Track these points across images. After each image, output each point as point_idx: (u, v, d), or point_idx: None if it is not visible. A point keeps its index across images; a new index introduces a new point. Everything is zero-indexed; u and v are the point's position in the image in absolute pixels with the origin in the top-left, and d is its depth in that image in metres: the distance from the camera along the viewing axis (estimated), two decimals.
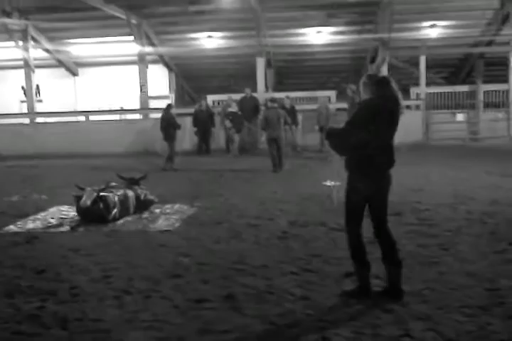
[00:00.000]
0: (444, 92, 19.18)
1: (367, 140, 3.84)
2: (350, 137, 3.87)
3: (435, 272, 4.53)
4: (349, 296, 4.05)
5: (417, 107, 17.37)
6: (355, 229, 4.03)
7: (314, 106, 16.52)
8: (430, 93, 18.47)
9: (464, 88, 19.27)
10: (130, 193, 7.31)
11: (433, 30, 18.21)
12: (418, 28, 18.25)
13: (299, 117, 15.97)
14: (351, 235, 4.06)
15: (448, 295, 4.02)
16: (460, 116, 17.60)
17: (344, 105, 14.88)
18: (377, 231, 4.09)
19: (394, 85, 3.98)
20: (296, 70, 21.31)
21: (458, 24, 17.97)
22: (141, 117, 18.76)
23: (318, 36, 18.72)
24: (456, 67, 20.98)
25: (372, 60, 19.35)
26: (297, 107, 16.18)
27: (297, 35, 18.84)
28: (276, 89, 20.10)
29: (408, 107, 17.80)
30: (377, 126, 3.85)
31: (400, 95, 3.99)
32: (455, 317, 3.62)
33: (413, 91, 18.74)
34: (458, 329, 3.44)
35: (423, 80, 17.25)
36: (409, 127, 16.21)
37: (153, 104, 19.10)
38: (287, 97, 15.74)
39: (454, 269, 4.59)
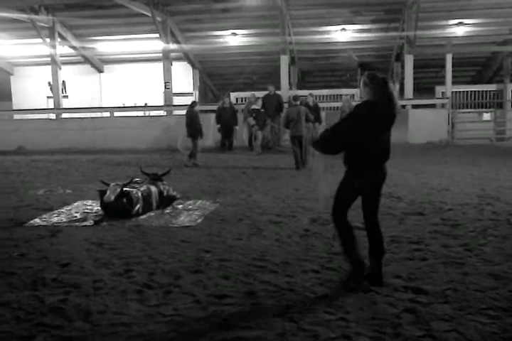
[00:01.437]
0: (471, 91, 18.92)
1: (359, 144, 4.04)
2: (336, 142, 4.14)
3: (459, 273, 4.47)
4: (347, 288, 4.14)
5: (443, 106, 17.16)
6: (343, 216, 4.19)
7: (338, 104, 16.43)
8: (456, 92, 18.23)
9: (492, 87, 18.97)
10: (153, 189, 7.36)
11: (460, 29, 17.96)
12: (444, 26, 18.03)
13: (323, 115, 15.91)
14: (339, 221, 4.20)
15: (471, 296, 3.96)
16: (487, 116, 17.34)
17: None
18: (368, 224, 4.28)
19: (391, 86, 4.13)
20: (320, 68, 21.23)
21: (486, 22, 17.71)
22: (165, 114, 18.90)
23: (343, 34, 18.60)
24: (483, 66, 20.67)
25: (397, 58, 19.18)
26: (321, 105, 16.11)
27: (322, 32, 18.77)
28: (299, 87, 20.07)
29: (433, 106, 17.65)
30: (376, 128, 4.03)
31: (396, 96, 4.19)
32: (478, 319, 3.56)
33: (439, 89, 18.53)
34: (481, 331, 3.39)
35: (449, 79, 17.03)
36: (434, 126, 16.13)
37: (177, 100, 19.22)
38: (311, 95, 15.69)
39: (478, 270, 4.52)
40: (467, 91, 19.01)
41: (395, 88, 4.22)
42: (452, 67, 16.98)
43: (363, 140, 4.03)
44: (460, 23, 17.72)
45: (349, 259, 4.22)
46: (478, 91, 19.01)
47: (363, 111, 4.05)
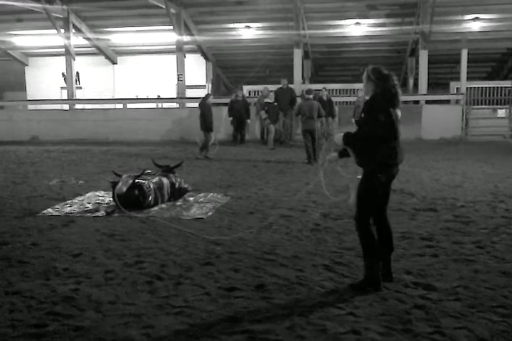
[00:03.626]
0: (486, 87, 18.72)
1: (387, 137, 3.96)
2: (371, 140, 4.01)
3: (470, 270, 4.44)
4: (358, 289, 4.01)
5: (457, 102, 17.00)
6: (368, 219, 4.11)
7: (351, 99, 16.34)
8: (471, 88, 18.05)
9: (507, 83, 18.78)
10: (165, 181, 7.39)
11: (475, 24, 17.75)
12: (460, 22, 17.83)
13: (336, 109, 15.84)
14: (364, 225, 4.09)
15: (482, 293, 3.94)
16: (501, 112, 17.16)
17: None
18: (378, 219, 4.22)
19: (395, 80, 4.10)
20: (334, 62, 21.12)
21: (502, 17, 17.50)
22: (178, 106, 18.92)
23: (357, 28, 18.47)
24: (498, 62, 20.44)
25: (412, 53, 19.01)
26: (334, 99, 16.03)
27: (336, 26, 18.66)
28: (313, 81, 19.98)
29: (447, 102, 17.49)
30: (392, 121, 3.94)
31: (399, 90, 4.13)
32: (489, 317, 3.54)
33: (453, 85, 18.36)
34: (492, 329, 3.37)
35: (464, 74, 16.85)
36: (447, 122, 16.00)
37: (189, 93, 19.23)
38: (325, 89, 15.60)
39: (489, 268, 4.49)
40: (482, 88, 18.82)
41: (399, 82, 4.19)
42: (467, 62, 16.79)
43: (390, 129, 3.94)
44: (476, 18, 17.50)
45: (367, 267, 4.06)
46: (493, 87, 18.81)
47: (378, 100, 4.05)
